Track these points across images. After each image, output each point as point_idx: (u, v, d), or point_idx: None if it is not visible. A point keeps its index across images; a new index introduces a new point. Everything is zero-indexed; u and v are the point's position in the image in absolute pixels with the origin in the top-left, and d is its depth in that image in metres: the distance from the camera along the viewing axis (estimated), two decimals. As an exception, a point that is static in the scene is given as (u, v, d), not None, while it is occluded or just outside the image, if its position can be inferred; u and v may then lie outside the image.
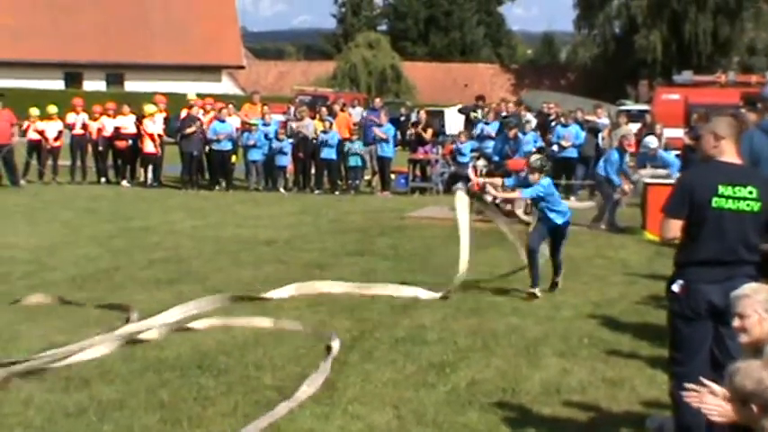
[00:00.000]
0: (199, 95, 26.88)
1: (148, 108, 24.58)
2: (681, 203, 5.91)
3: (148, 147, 24.23)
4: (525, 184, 11.82)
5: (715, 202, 5.81)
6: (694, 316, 5.84)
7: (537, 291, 11.11)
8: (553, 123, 24.40)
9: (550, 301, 11.04)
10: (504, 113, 24.40)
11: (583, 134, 22.83)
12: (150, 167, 24.66)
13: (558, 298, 11.20)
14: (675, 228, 5.94)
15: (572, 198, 21.91)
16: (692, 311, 5.85)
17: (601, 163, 18.07)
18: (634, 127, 24.46)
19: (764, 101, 7.90)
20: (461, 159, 23.81)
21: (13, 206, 19.28)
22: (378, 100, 28.64)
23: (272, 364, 8.14)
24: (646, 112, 28.08)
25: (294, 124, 24.05)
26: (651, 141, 17.43)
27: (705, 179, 5.91)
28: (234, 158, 24.39)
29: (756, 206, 5.83)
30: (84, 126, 24.84)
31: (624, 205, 17.75)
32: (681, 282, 5.90)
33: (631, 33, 63.45)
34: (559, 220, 11.35)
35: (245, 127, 24.07)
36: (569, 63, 75.89)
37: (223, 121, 23.83)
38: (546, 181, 11.49)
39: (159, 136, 24.32)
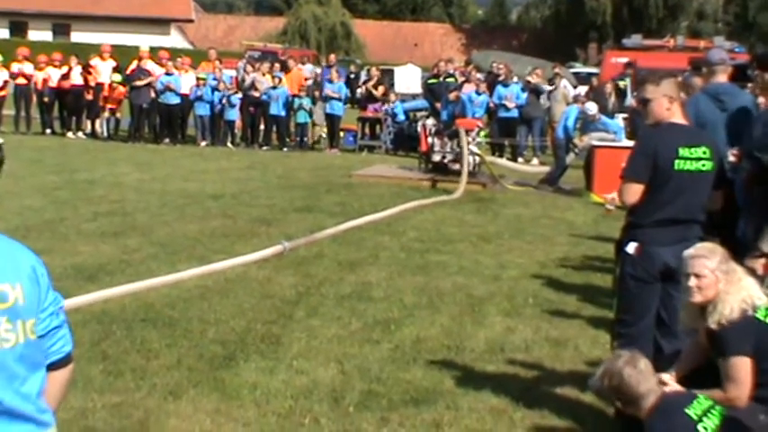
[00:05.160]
0: (151, 49, 26.53)
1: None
2: (644, 167, 5.77)
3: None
4: None
5: (677, 164, 5.74)
6: (648, 278, 5.80)
7: None
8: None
9: (496, 260, 11.09)
10: (450, 72, 24.40)
11: (524, 95, 22.81)
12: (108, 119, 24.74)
13: (503, 257, 11.26)
14: (637, 192, 5.77)
15: (519, 160, 21.98)
16: (647, 273, 5.80)
17: (560, 125, 18.19)
18: (582, 89, 24.59)
19: (709, 65, 7.91)
20: (399, 120, 24.05)
21: (-45, 156, 18.96)
22: (332, 57, 28.49)
23: (216, 319, 8.12)
24: (594, 74, 28.15)
25: (250, 78, 23.71)
26: (590, 107, 17.54)
27: (667, 142, 5.82)
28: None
29: (710, 165, 5.82)
30: (28, 77, 24.45)
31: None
32: (635, 243, 5.83)
33: (584, -5, 63.66)
34: None
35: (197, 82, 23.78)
36: (520, 24, 76.00)
37: (170, 74, 23.56)
38: None
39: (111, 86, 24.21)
